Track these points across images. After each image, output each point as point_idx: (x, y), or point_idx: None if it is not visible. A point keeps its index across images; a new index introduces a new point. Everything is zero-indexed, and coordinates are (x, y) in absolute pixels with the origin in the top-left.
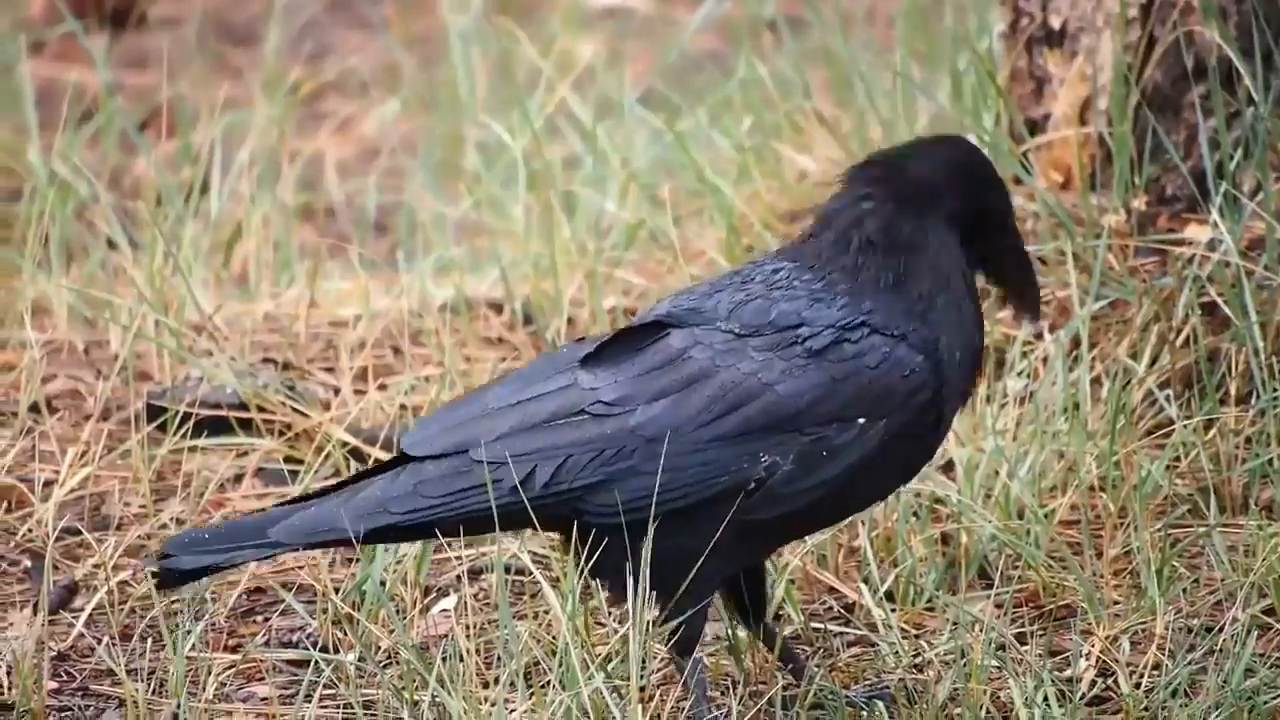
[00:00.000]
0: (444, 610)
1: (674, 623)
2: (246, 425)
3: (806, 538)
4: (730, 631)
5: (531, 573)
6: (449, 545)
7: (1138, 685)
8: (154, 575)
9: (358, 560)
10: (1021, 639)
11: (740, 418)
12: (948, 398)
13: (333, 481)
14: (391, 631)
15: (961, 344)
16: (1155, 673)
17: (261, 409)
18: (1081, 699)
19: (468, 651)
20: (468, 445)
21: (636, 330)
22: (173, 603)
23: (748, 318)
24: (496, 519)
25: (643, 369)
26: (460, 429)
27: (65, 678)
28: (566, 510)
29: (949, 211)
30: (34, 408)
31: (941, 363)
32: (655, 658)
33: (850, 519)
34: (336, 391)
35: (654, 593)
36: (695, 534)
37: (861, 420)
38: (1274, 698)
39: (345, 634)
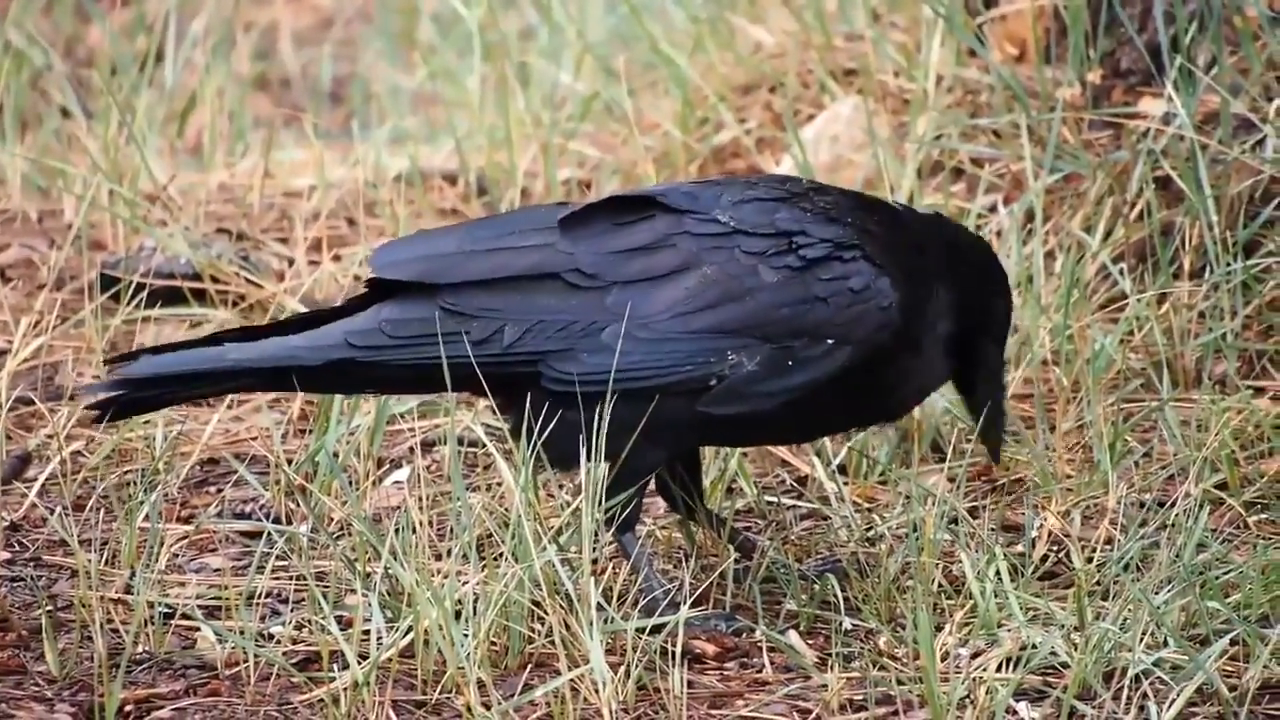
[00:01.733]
0: (397, 482)
1: (613, 500)
2: (200, 296)
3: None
4: (682, 504)
5: (485, 445)
6: (401, 418)
7: (1089, 560)
8: (104, 405)
9: (310, 431)
10: (974, 513)
11: (715, 316)
12: (904, 365)
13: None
14: (344, 503)
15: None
16: (1107, 547)
17: (215, 279)
18: (1033, 573)
19: (420, 523)
20: (438, 278)
21: (624, 202)
22: (125, 473)
23: (745, 215)
24: (447, 370)
25: (625, 245)
26: (432, 261)
27: (18, 548)
28: (526, 371)
29: (958, 285)
30: None
31: (910, 323)
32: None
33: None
34: (291, 262)
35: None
36: (648, 416)
37: (830, 341)
38: (1225, 572)
39: (298, 505)
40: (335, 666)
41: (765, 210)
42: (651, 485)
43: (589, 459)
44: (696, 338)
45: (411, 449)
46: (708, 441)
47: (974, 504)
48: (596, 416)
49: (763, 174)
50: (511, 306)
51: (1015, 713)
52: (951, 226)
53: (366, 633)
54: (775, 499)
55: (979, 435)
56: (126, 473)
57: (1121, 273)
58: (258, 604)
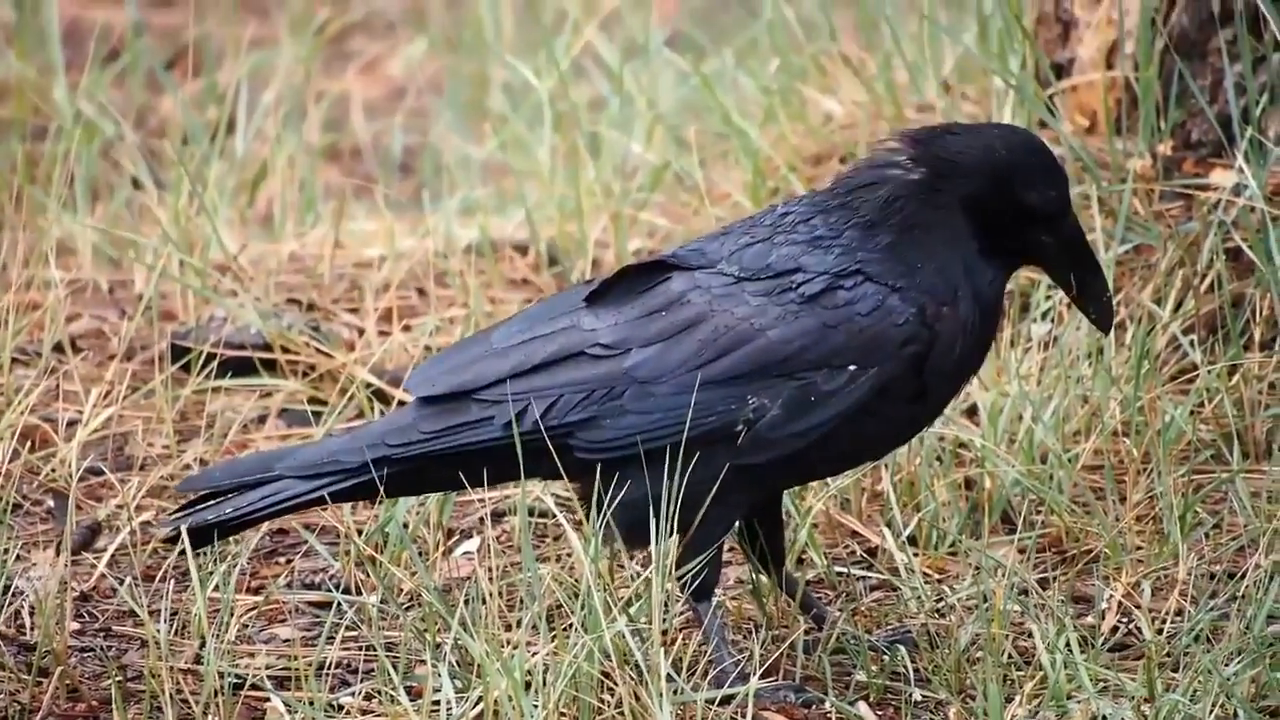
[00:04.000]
0: (467, 552)
1: (687, 568)
2: (270, 366)
3: (829, 480)
4: (753, 575)
5: (554, 515)
6: (471, 490)
7: (1160, 631)
8: (171, 539)
9: (381, 503)
10: (1044, 584)
11: (730, 361)
12: (933, 368)
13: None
14: (414, 573)
15: (949, 328)
16: (1177, 618)
17: (285, 350)
18: (1103, 644)
19: (490, 594)
20: (469, 386)
21: (641, 270)
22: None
23: (747, 261)
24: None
25: (642, 311)
26: (463, 370)
27: (88, 618)
28: (558, 446)
29: (970, 196)
30: (58, 347)
31: (929, 326)
32: (678, 601)
33: (847, 471)
34: (361, 332)
35: (671, 536)
36: (690, 476)
37: (851, 368)
38: None
39: (368, 576)
40: None
41: (762, 254)
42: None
43: (660, 528)
44: (713, 387)
45: (481, 519)
46: (775, 489)
47: (1044, 575)
48: (645, 480)
49: (760, 210)
50: (536, 386)
51: None
52: (952, 144)
53: (436, 703)
54: (845, 570)
55: (1081, 308)
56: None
57: (1192, 344)
58: (327, 674)
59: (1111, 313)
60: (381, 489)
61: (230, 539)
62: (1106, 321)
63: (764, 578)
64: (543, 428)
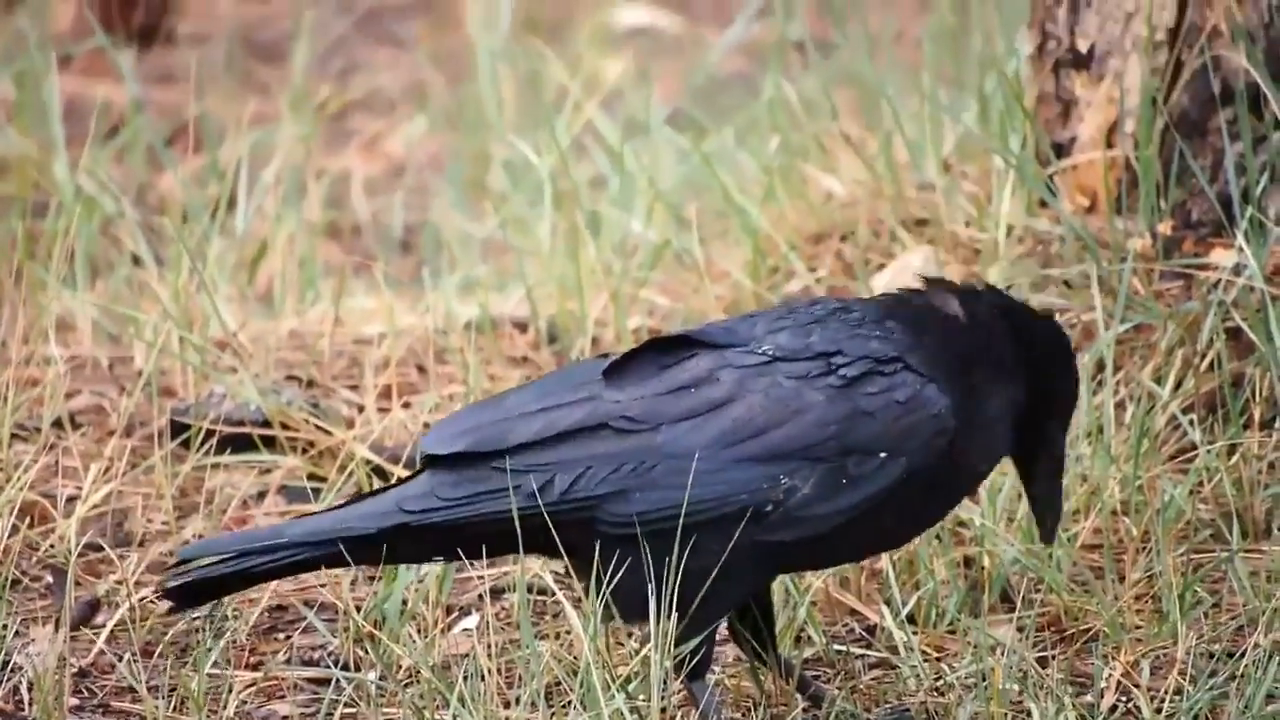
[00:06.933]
0: (465, 629)
1: (686, 646)
2: (270, 442)
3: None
4: (751, 656)
5: (553, 593)
6: (471, 565)
7: (1159, 710)
8: (168, 594)
9: (380, 579)
10: (1043, 663)
11: (764, 442)
12: (960, 466)
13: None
14: (413, 650)
15: (981, 445)
16: (1176, 698)
17: (285, 426)
18: None
19: (489, 671)
20: (486, 447)
21: (661, 345)
22: (194, 619)
23: (784, 341)
24: (517, 522)
25: (669, 386)
26: (480, 430)
27: (86, 694)
28: (582, 518)
29: (1017, 357)
30: (57, 423)
31: (962, 426)
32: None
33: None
34: (360, 409)
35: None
36: (708, 552)
37: (883, 454)
38: None
39: (367, 652)
40: None
41: (800, 335)
42: (724, 632)
43: (659, 605)
44: (747, 465)
45: (480, 596)
46: (780, 571)
47: (1043, 654)
48: (660, 557)
49: (791, 301)
50: (562, 458)
51: None
52: (1012, 305)
53: None
54: (844, 647)
55: (1034, 515)
56: (194, 619)
57: (1191, 423)
58: None
59: (1056, 528)
60: (389, 554)
61: (228, 610)
62: (1049, 534)
63: (756, 660)
64: (569, 499)
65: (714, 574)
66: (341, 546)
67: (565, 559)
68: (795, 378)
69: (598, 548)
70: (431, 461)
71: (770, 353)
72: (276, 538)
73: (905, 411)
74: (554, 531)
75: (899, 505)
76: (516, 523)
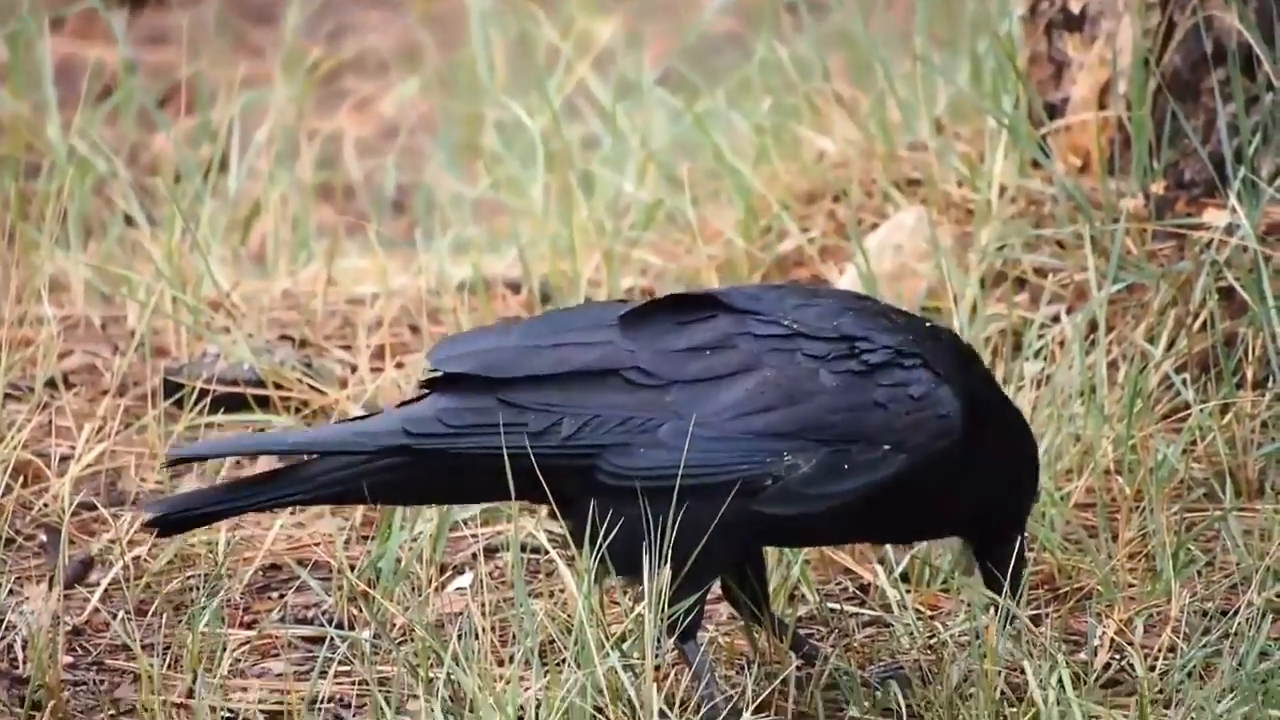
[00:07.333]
0: (459, 588)
1: (677, 607)
2: (263, 402)
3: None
4: (745, 615)
5: (547, 551)
6: (464, 524)
7: (1152, 668)
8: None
9: (373, 538)
10: (1036, 621)
11: (774, 418)
12: (968, 474)
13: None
14: (407, 609)
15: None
16: (1170, 655)
17: (278, 386)
18: (1096, 681)
19: (483, 629)
20: (497, 372)
21: (685, 301)
22: (188, 579)
23: (808, 319)
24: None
25: (687, 344)
26: (491, 355)
27: (80, 652)
28: (582, 465)
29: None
30: (51, 383)
31: (972, 433)
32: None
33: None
34: (353, 369)
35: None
36: (704, 516)
37: (886, 447)
38: None
39: (361, 611)
40: None
41: (828, 315)
42: (717, 591)
43: (649, 560)
44: (754, 438)
45: (474, 555)
46: (768, 543)
47: (1036, 612)
48: (656, 516)
49: (828, 286)
50: (570, 401)
51: None
52: (993, 389)
53: None
54: (838, 606)
55: (983, 576)
56: (189, 578)
57: (1184, 383)
58: (320, 709)
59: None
60: (395, 475)
61: (222, 569)
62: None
63: (750, 620)
64: (573, 444)
65: (706, 538)
66: (345, 461)
67: (556, 507)
68: (815, 357)
69: (594, 501)
70: (436, 383)
71: (794, 327)
72: (278, 444)
73: (916, 407)
74: (553, 476)
75: (893, 501)
76: (531, 459)
